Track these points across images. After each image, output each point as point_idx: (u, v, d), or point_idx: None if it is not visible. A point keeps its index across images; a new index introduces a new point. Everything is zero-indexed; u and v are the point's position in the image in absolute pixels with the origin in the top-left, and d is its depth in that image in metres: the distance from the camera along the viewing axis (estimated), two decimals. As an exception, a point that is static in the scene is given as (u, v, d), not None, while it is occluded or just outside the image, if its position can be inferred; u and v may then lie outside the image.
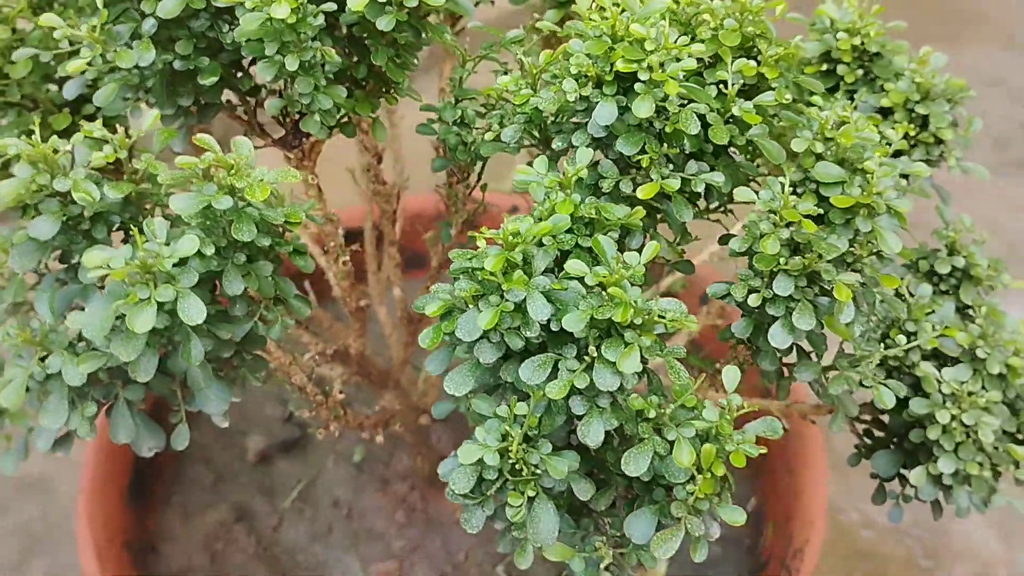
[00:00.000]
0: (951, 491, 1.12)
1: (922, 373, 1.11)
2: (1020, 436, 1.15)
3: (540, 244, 0.90)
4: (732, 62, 0.99)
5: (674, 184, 0.96)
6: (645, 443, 0.89)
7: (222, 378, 1.00)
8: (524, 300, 0.85)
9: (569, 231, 0.92)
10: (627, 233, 0.97)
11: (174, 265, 0.85)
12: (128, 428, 1.01)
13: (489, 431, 0.88)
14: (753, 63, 1.00)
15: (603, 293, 0.87)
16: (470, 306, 0.87)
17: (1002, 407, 1.12)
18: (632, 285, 0.87)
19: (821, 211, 0.98)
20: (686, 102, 0.96)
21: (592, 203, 0.94)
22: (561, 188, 0.94)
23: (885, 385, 1.07)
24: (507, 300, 0.85)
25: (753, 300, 0.98)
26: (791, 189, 0.97)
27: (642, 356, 0.85)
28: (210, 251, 0.89)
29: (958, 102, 1.18)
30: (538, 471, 0.88)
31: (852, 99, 1.20)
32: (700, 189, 0.98)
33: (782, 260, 0.95)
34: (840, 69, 1.20)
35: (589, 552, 0.95)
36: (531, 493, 0.88)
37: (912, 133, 1.16)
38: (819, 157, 1.00)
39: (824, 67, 1.21)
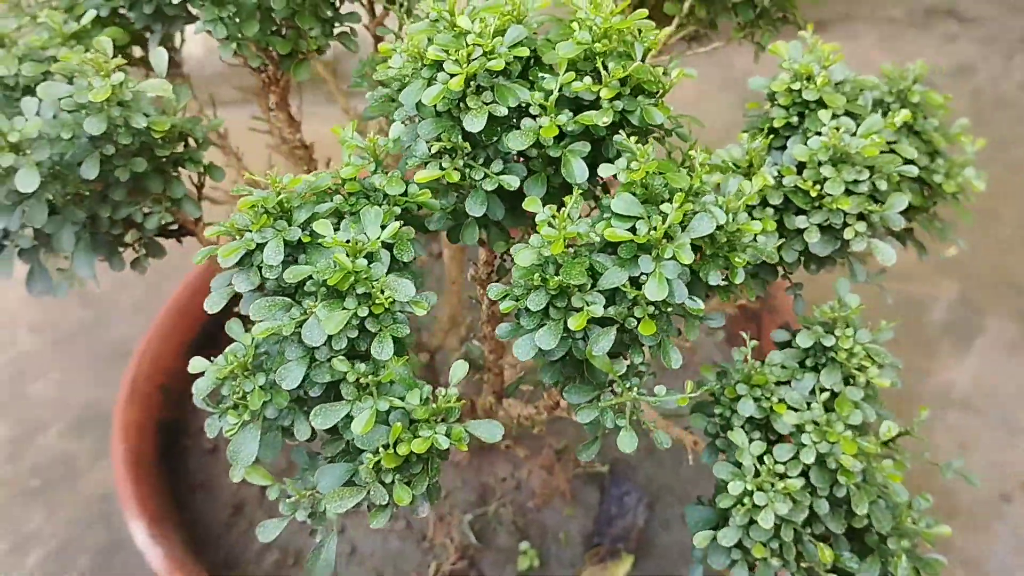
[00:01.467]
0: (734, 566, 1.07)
1: (733, 439, 1.06)
2: (836, 537, 1.07)
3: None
4: (564, 72, 0.99)
5: (455, 176, 0.99)
6: (345, 404, 0.95)
7: (99, 248, 1.17)
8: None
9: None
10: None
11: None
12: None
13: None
14: (589, 80, 0.99)
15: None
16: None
17: (822, 502, 1.05)
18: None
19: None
20: (491, 100, 0.98)
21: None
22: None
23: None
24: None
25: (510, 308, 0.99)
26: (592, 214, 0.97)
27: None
28: (67, 135, 1.05)
29: (879, 169, 1.08)
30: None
31: (784, 147, 1.13)
32: (491, 187, 1.00)
33: (537, 277, 0.96)
34: (774, 111, 1.13)
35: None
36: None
37: (813, 194, 1.08)
38: (627, 187, 0.98)
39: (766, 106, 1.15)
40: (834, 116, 1.10)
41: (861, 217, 1.07)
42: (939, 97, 1.34)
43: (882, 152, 1.07)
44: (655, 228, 0.92)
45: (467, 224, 1.03)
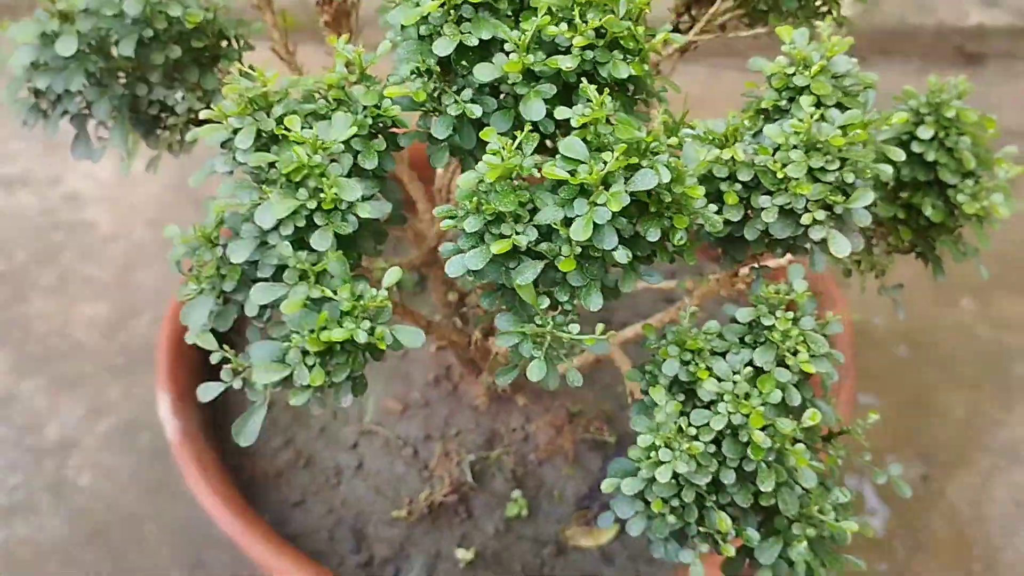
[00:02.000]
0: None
1: (653, 395, 1.09)
2: (745, 512, 1.09)
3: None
4: (542, 15, 1.04)
5: (422, 96, 1.05)
6: (284, 287, 1.03)
7: (139, 126, 1.30)
8: None
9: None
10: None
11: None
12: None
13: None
14: (565, 26, 1.04)
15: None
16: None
17: (729, 473, 1.07)
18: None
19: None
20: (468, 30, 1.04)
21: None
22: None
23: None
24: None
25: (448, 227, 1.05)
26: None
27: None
28: (110, 12, 1.17)
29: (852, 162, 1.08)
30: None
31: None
32: (455, 113, 1.06)
33: (475, 201, 1.01)
34: (766, 92, 1.15)
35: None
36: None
37: (780, 176, 1.09)
38: (579, 133, 1.02)
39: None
40: (820, 104, 1.11)
41: (827, 207, 1.08)
42: (975, 115, 1.32)
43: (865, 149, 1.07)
44: (592, 173, 0.97)
45: (438, 147, 1.09)
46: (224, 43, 1.28)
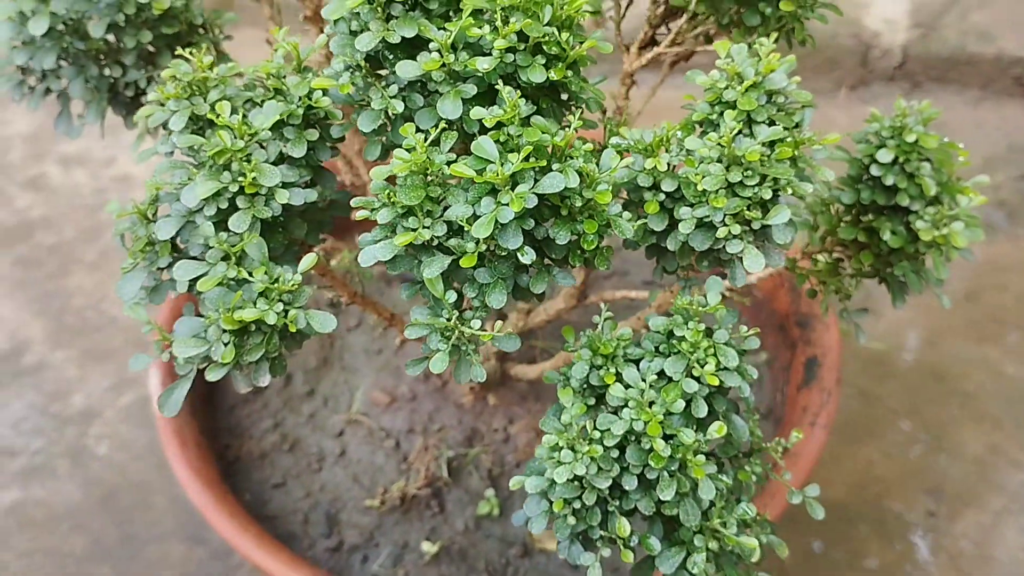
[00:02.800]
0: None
1: (561, 396, 1.11)
2: (650, 519, 1.10)
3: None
4: (466, 16, 1.07)
5: (348, 88, 1.09)
6: (205, 265, 1.08)
7: (118, 106, 1.36)
8: None
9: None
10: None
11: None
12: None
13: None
14: (488, 28, 1.06)
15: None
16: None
17: (632, 479, 1.08)
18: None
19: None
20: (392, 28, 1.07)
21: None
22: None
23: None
24: None
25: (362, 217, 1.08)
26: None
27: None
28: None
29: (771, 179, 1.08)
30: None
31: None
32: (378, 107, 1.09)
33: (386, 193, 1.04)
34: (698, 105, 1.16)
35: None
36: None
37: (700, 188, 1.10)
38: (493, 134, 1.05)
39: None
40: (750, 120, 1.11)
41: (745, 223, 1.08)
42: (935, 142, 1.31)
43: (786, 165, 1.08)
44: (497, 173, 0.99)
45: (371, 141, 1.13)
46: (201, 30, 1.33)
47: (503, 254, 1.03)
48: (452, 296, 1.05)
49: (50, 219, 2.97)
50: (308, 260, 1.06)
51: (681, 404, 1.06)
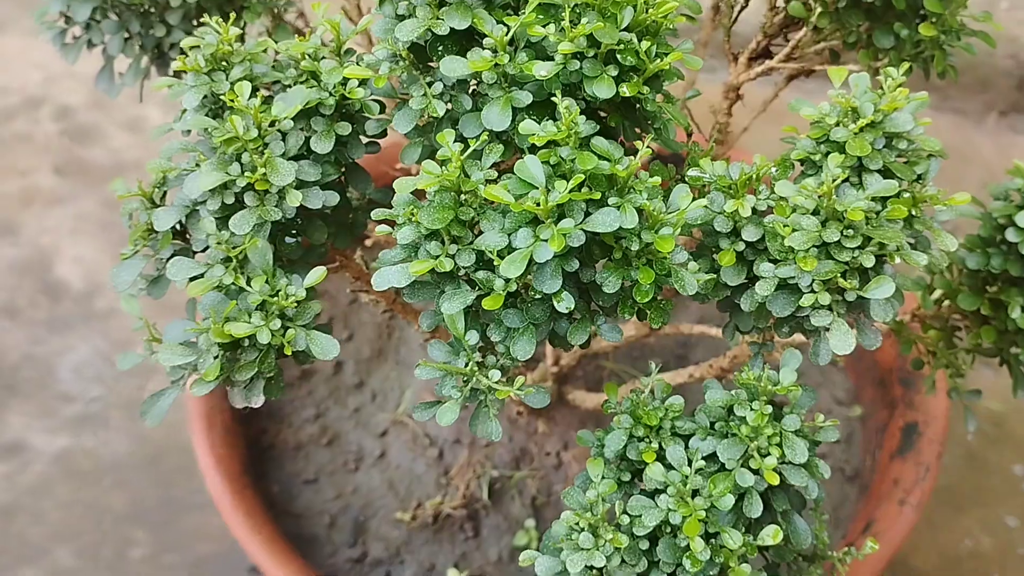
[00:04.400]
0: None
1: (590, 468, 0.94)
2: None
3: None
4: (529, 10, 0.90)
5: (382, 81, 0.93)
6: (200, 266, 0.94)
7: (156, 63, 1.24)
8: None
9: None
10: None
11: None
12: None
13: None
14: (553, 28, 0.89)
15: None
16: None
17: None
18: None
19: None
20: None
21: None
22: None
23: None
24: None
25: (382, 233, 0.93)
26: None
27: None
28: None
29: (877, 241, 0.89)
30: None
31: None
32: (417, 107, 0.93)
33: (409, 211, 0.89)
34: (801, 142, 0.97)
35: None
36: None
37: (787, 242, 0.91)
38: (543, 154, 0.88)
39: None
40: (860, 168, 0.92)
41: (839, 291, 0.89)
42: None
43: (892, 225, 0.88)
44: (539, 203, 0.83)
45: (410, 143, 0.97)
46: (250, -7, 1.20)
47: (538, 296, 0.86)
48: (473, 337, 0.89)
49: (142, 162, 2.90)
50: (316, 274, 0.91)
51: (730, 500, 0.88)
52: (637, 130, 0.95)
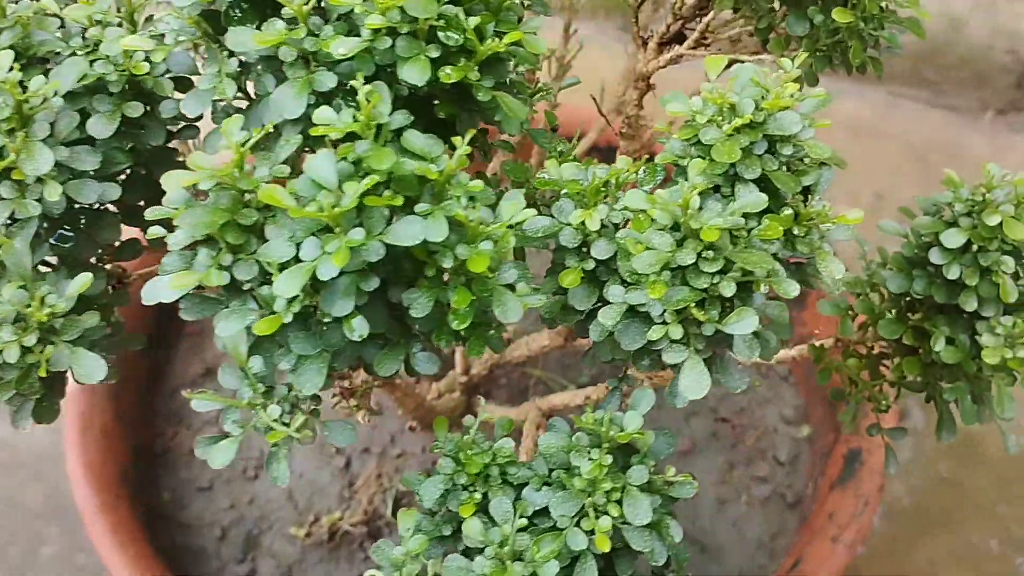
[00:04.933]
0: None
1: (400, 518, 0.80)
2: None
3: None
4: None
5: None
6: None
7: None
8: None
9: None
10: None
11: None
12: None
13: None
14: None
15: None
16: None
17: None
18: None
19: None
20: None
21: None
22: None
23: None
24: None
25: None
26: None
27: None
28: None
29: (738, 266, 0.74)
30: None
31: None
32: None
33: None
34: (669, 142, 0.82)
35: None
36: None
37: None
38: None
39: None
40: (736, 176, 0.77)
41: (696, 323, 0.75)
42: (1027, 231, 0.94)
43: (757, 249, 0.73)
44: (329, 207, 0.68)
45: (214, 131, 0.83)
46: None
47: (327, 320, 0.72)
48: (258, 364, 0.75)
49: None
50: (81, 281, 0.77)
51: (554, 567, 0.74)
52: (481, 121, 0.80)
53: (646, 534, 0.76)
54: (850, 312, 1.07)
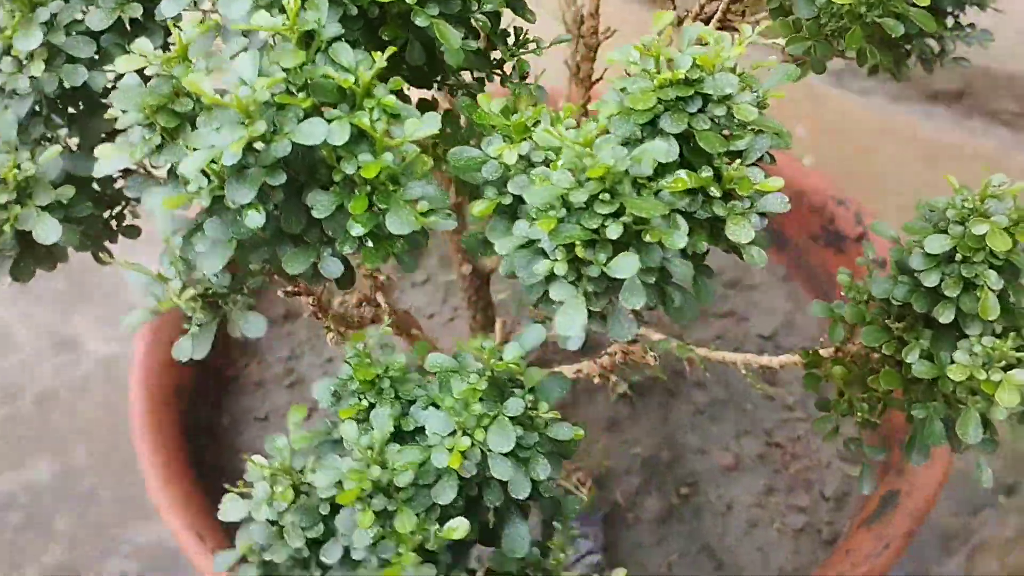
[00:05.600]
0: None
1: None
2: None
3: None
4: None
5: None
6: None
7: None
8: None
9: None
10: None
11: None
12: None
13: None
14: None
15: None
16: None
17: (336, 548, 0.81)
18: None
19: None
20: None
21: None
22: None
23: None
24: None
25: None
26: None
27: None
28: None
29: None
30: None
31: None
32: None
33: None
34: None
35: None
36: None
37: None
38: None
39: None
40: (652, 127, 0.77)
41: (580, 261, 0.75)
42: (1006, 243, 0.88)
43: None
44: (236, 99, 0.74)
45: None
46: None
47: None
48: (177, 241, 0.80)
49: None
50: (51, 151, 0.86)
51: (408, 477, 0.76)
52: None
53: (508, 464, 0.77)
54: (838, 318, 1.03)
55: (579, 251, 0.73)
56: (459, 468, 0.76)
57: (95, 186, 0.96)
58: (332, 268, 0.80)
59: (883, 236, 0.97)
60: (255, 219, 0.75)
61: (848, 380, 1.05)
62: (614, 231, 0.73)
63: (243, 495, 0.83)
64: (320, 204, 0.77)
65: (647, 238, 0.74)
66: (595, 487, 1.56)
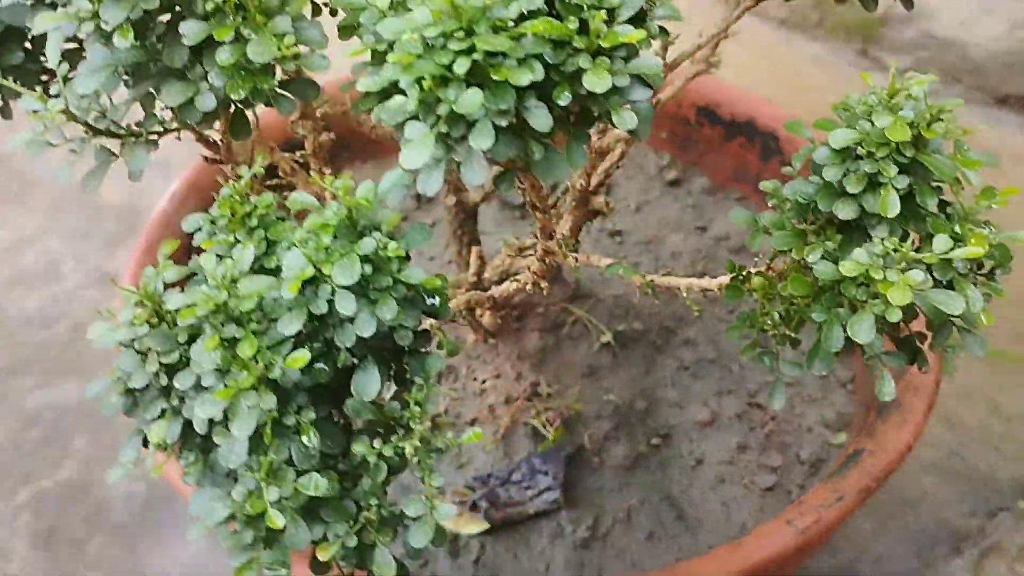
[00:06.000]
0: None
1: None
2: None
3: None
4: None
5: None
6: None
7: None
8: None
9: None
10: None
11: None
12: None
13: None
14: None
15: None
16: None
17: (188, 376, 0.82)
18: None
19: None
20: None
21: None
22: None
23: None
24: None
25: None
26: None
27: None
28: None
29: None
30: None
31: None
32: None
33: None
34: None
35: None
36: None
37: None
38: None
39: None
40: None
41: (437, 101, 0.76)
42: (904, 134, 0.85)
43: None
44: None
45: None
46: None
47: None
48: (63, 69, 0.83)
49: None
50: None
51: (250, 304, 0.77)
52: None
53: (352, 299, 0.77)
54: (757, 224, 1.00)
55: (427, 84, 0.74)
56: (302, 299, 0.77)
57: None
58: (207, 102, 0.82)
59: (800, 136, 0.95)
60: (122, 42, 0.78)
61: (770, 294, 1.02)
62: (462, 65, 0.73)
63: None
64: (192, 32, 0.79)
65: (495, 76, 0.73)
66: (563, 428, 1.54)
